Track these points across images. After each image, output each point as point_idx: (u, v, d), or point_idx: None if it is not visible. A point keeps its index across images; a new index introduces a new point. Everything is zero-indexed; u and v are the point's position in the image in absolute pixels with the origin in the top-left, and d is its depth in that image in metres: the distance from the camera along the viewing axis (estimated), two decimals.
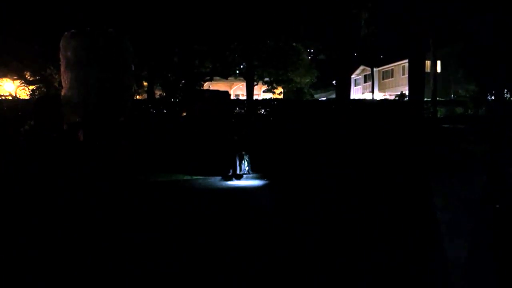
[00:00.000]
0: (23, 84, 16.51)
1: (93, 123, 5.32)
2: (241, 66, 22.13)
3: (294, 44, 20.75)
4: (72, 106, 5.21)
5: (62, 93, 5.45)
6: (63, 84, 5.42)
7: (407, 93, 19.09)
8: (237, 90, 29.86)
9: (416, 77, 16.57)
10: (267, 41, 19.73)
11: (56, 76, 16.07)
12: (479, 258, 4.01)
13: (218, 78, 20.74)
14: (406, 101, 19.36)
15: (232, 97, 24.69)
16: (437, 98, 21.38)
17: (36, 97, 15.19)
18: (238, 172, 9.58)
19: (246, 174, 9.62)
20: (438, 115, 19.79)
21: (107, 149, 5.21)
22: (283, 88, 24.18)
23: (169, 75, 18.09)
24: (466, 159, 10.54)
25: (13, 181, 6.15)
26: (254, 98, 19.68)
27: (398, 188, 7.37)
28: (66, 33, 5.32)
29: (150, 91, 18.41)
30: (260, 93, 28.63)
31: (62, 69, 5.38)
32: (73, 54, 5.24)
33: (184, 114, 14.14)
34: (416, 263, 3.92)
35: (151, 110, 16.50)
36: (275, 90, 23.39)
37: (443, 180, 7.85)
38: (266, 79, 22.30)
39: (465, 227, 4.81)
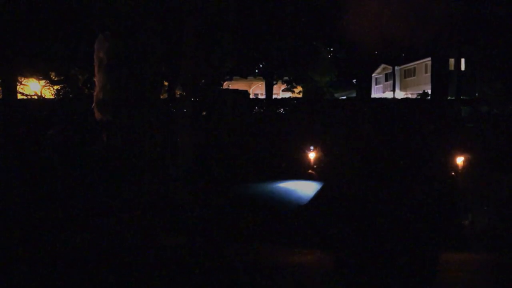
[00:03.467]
0: (48, 84, 16.92)
1: (123, 123, 5.44)
2: (260, 65, 22.16)
3: (313, 43, 20.66)
4: (104, 106, 5.33)
5: (95, 94, 5.59)
6: (96, 84, 5.56)
7: (429, 91, 18.78)
8: (256, 89, 29.91)
9: (439, 76, 16.28)
10: (286, 40, 19.67)
11: (80, 77, 16.43)
12: None
13: (237, 77, 20.83)
14: (429, 99, 19.04)
15: (251, 96, 24.70)
16: (461, 97, 20.98)
17: (61, 96, 15.59)
18: None
19: None
20: (462, 114, 19.40)
21: (140, 148, 5.29)
22: (302, 87, 24.11)
23: (189, 74, 18.22)
24: (494, 159, 10.26)
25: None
26: (273, 97, 19.68)
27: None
28: (100, 35, 5.45)
29: (170, 90, 18.61)
30: (279, 92, 28.60)
31: (95, 70, 5.52)
32: (106, 55, 5.36)
33: (204, 113, 14.20)
34: None
35: (172, 109, 16.65)
36: (294, 89, 23.34)
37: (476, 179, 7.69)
38: (286, 78, 22.26)
39: None
